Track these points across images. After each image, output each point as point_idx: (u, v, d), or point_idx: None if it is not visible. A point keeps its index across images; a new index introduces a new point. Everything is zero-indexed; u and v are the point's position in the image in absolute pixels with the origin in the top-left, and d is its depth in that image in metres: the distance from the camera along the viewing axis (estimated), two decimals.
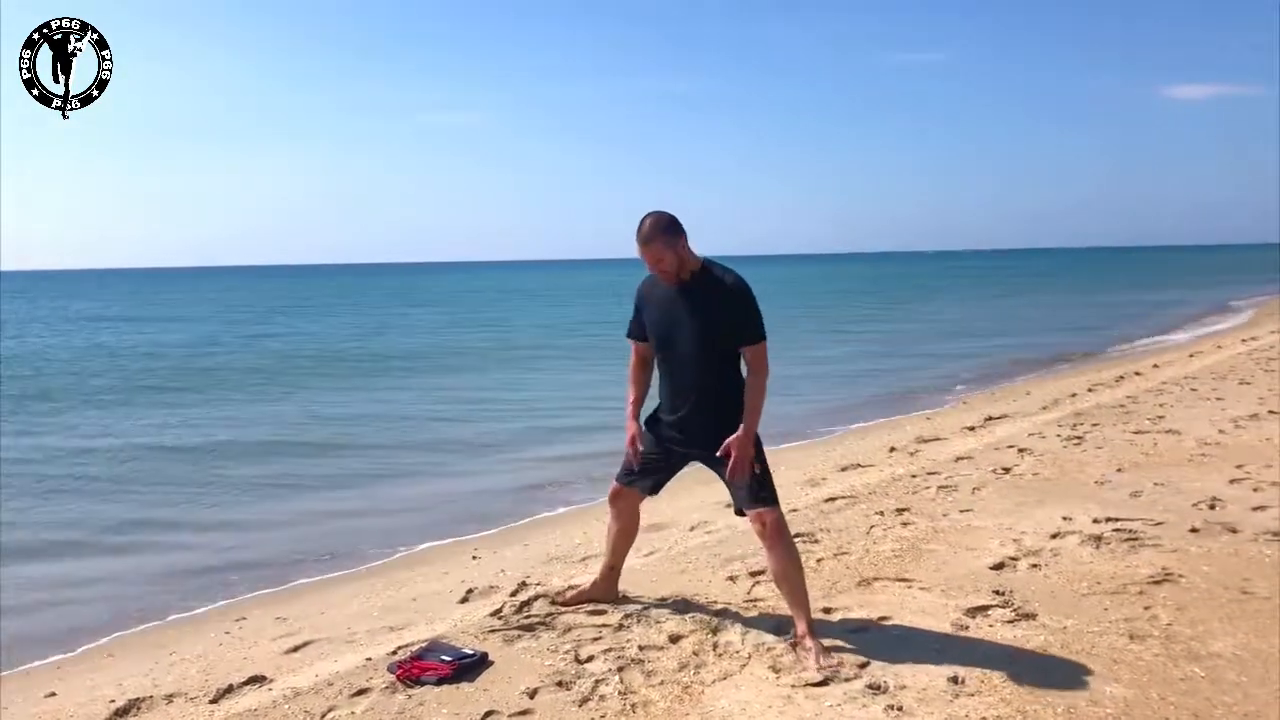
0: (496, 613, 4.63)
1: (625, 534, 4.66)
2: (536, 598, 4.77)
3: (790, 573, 4.05)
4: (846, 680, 3.66)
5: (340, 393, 18.46)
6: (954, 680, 3.63)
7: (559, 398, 16.99)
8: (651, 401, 4.36)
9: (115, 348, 29.59)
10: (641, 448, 4.35)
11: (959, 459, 8.19)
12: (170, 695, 4.18)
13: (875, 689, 3.59)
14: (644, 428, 4.37)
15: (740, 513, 4.14)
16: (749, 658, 3.95)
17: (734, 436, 3.96)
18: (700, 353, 4.05)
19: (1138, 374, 14.29)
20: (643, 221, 3.99)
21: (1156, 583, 4.67)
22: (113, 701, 4.18)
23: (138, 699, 4.15)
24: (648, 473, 4.38)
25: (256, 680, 4.18)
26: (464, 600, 5.32)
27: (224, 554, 7.85)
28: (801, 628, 3.99)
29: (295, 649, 4.76)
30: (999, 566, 5.04)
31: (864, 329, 31.66)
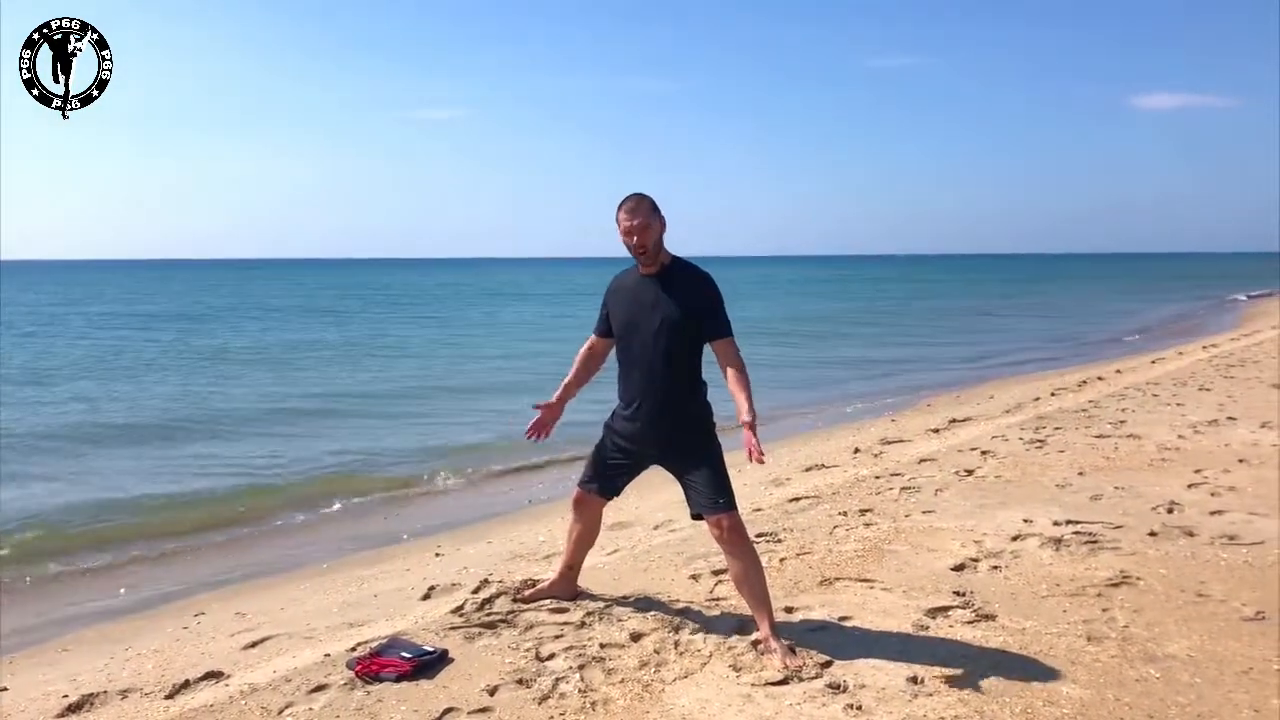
0: (458, 610, 4.60)
1: (585, 538, 4.65)
2: (498, 595, 4.74)
3: (751, 575, 4.05)
4: (807, 679, 3.67)
5: (295, 383, 18.34)
6: (913, 680, 3.65)
7: (525, 394, 16.94)
8: (611, 403, 4.33)
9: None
10: (603, 453, 4.37)
11: (922, 461, 8.24)
12: (125, 691, 4.12)
13: (835, 688, 3.60)
14: (603, 431, 4.38)
15: (698, 517, 4.13)
16: (710, 656, 3.94)
17: (745, 425, 3.82)
18: (664, 345, 4.03)
19: (1100, 379, 14.45)
20: (627, 196, 4.01)
21: (1115, 585, 4.71)
22: (66, 697, 4.12)
23: (91, 694, 4.09)
24: (607, 476, 4.37)
25: (213, 676, 4.13)
26: (425, 597, 5.29)
27: (182, 548, 7.77)
28: (764, 629, 3.99)
29: (254, 644, 4.71)
30: (960, 568, 5.07)
31: (833, 330, 31.81)
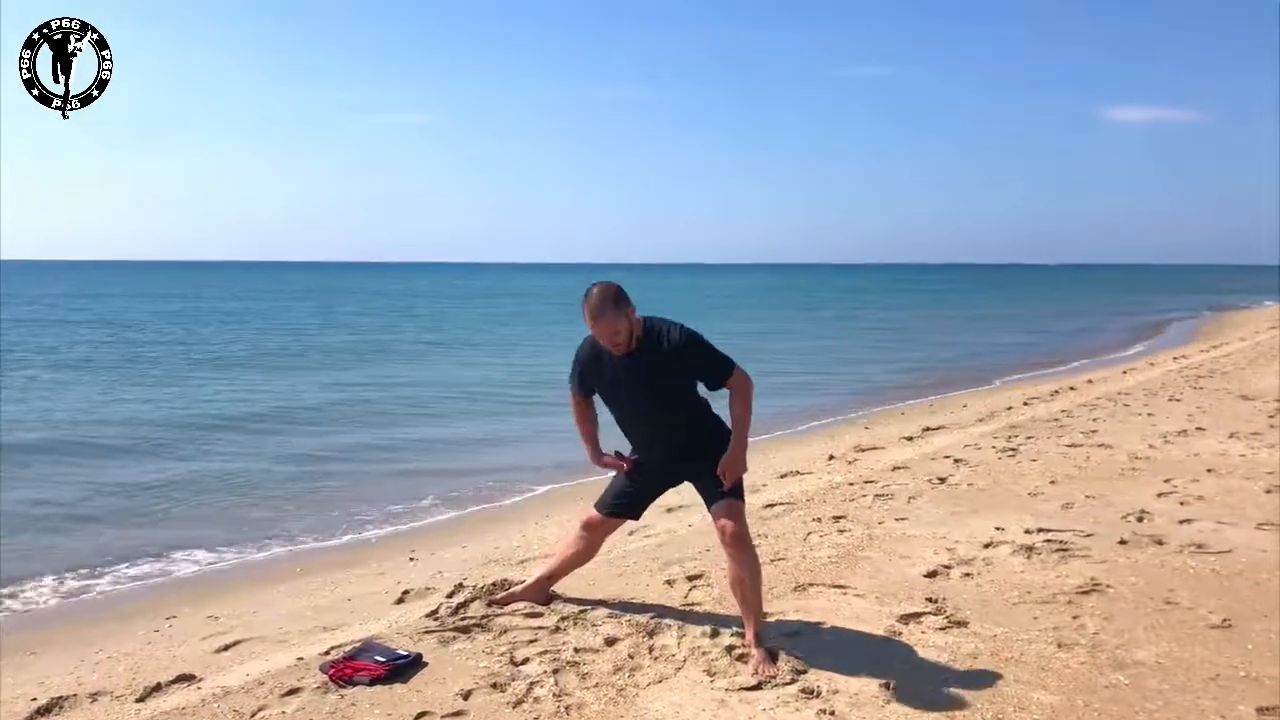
0: (432, 614, 4.60)
1: (581, 558, 4.68)
2: (473, 599, 4.74)
3: (750, 580, 4.05)
4: (780, 684, 3.69)
5: (271, 387, 18.23)
6: (886, 686, 3.67)
7: (502, 399, 16.95)
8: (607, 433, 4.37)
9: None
10: (627, 481, 4.38)
11: (896, 468, 8.28)
12: (95, 694, 4.08)
13: (809, 693, 3.62)
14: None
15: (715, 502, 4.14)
16: (684, 661, 3.96)
17: (727, 459, 4.02)
18: (660, 409, 4.09)
19: (1072, 389, 14.57)
20: (589, 294, 3.89)
21: (1085, 592, 4.76)
22: (34, 700, 4.07)
23: (60, 697, 4.05)
24: (632, 503, 4.43)
25: (185, 679, 4.10)
26: (400, 601, 5.28)
27: (153, 550, 7.71)
28: (749, 635, 4.01)
29: (226, 648, 4.68)
30: (932, 574, 5.11)
31: (806, 338, 31.91)
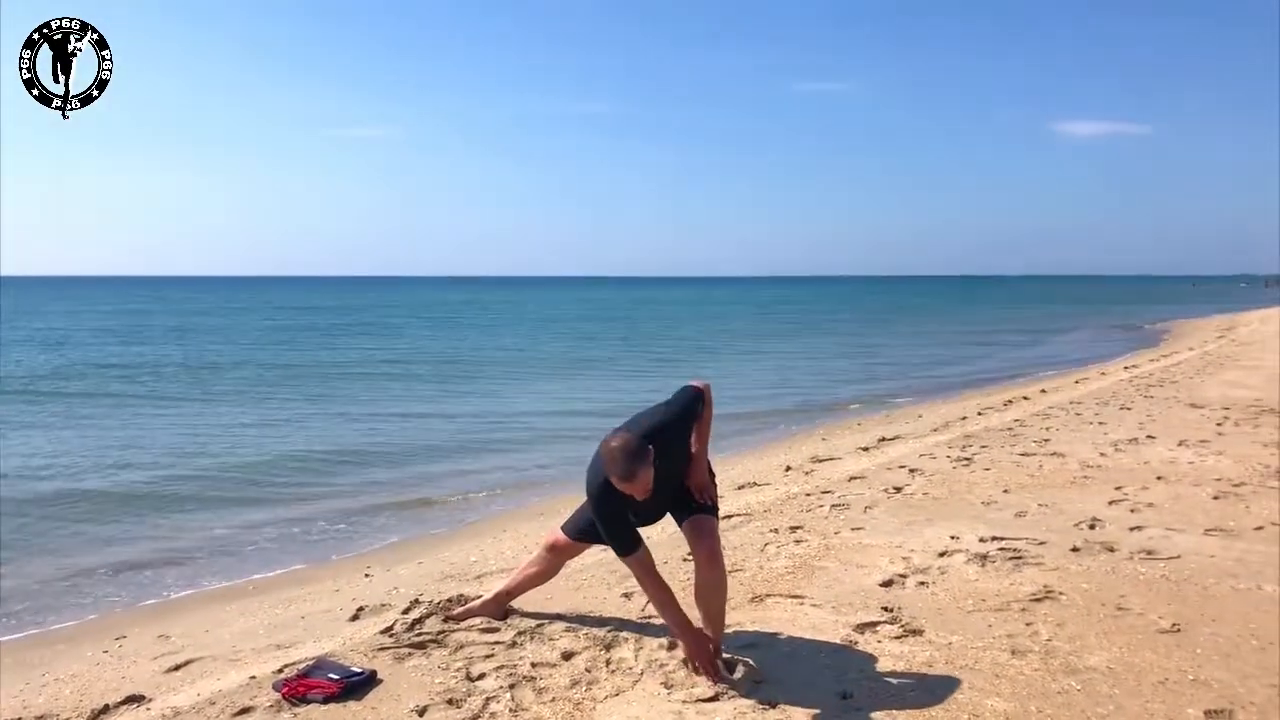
0: (387, 630, 4.55)
1: (542, 578, 4.67)
2: (429, 615, 4.70)
3: (717, 592, 4.05)
4: (737, 696, 3.69)
5: (226, 405, 18.02)
6: (843, 695, 3.69)
7: (458, 415, 16.86)
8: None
9: None
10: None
11: (852, 478, 8.33)
12: (41, 716, 4.01)
13: (766, 704, 3.63)
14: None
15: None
16: (641, 674, 3.95)
17: (691, 468, 4.09)
18: (674, 475, 4.07)
19: (1025, 398, 14.73)
20: (613, 458, 3.66)
21: (1038, 600, 4.81)
22: None
23: None
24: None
25: (134, 700, 4.04)
26: (354, 618, 5.23)
27: (105, 569, 7.59)
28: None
29: (177, 668, 4.62)
30: (888, 584, 5.14)
31: (766, 352, 32.07)
